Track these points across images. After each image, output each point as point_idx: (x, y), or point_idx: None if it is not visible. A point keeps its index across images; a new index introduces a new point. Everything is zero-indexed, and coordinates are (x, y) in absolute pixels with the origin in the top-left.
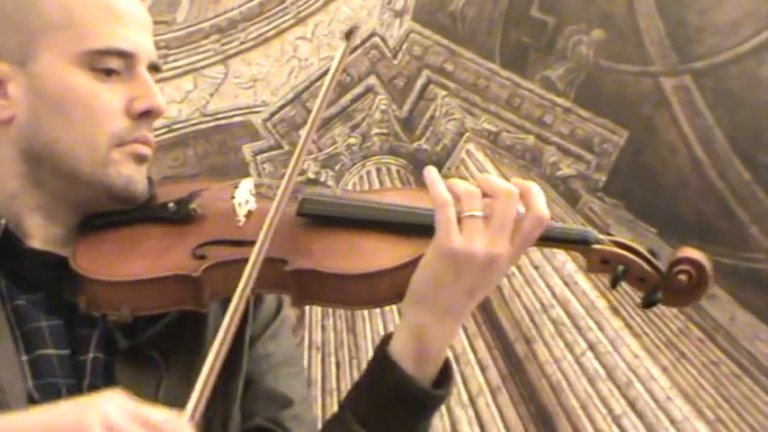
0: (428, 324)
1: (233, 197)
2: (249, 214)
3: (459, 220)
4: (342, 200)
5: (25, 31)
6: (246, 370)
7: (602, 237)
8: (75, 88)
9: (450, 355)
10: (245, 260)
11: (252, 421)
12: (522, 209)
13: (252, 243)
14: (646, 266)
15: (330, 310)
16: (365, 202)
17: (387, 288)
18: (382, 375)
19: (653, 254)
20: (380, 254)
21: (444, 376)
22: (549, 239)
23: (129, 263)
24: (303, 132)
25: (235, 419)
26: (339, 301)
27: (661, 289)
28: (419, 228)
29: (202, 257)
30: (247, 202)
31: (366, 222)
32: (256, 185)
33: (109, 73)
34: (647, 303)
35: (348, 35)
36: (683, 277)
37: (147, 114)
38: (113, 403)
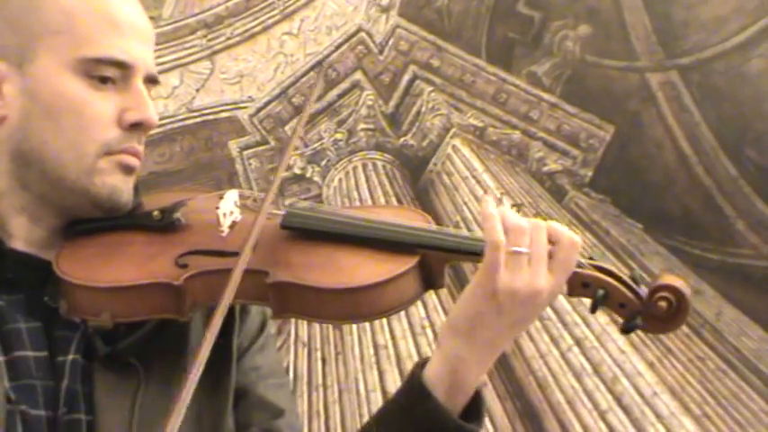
0: (465, 356)
1: (217, 207)
2: (233, 225)
3: (506, 256)
4: (326, 215)
5: (25, 32)
6: (237, 382)
7: (583, 261)
8: (68, 94)
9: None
10: (227, 271)
11: (247, 431)
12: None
13: (234, 254)
14: (626, 292)
15: None
16: (348, 218)
17: (365, 304)
18: (415, 403)
19: (635, 280)
20: (361, 270)
21: (475, 409)
22: None
23: (111, 269)
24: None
25: (227, 428)
26: (317, 315)
27: (641, 315)
28: (401, 245)
29: (185, 266)
30: (232, 213)
31: (348, 237)
32: (241, 197)
33: (104, 81)
34: (627, 329)
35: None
36: (662, 304)
37: (138, 126)
38: None
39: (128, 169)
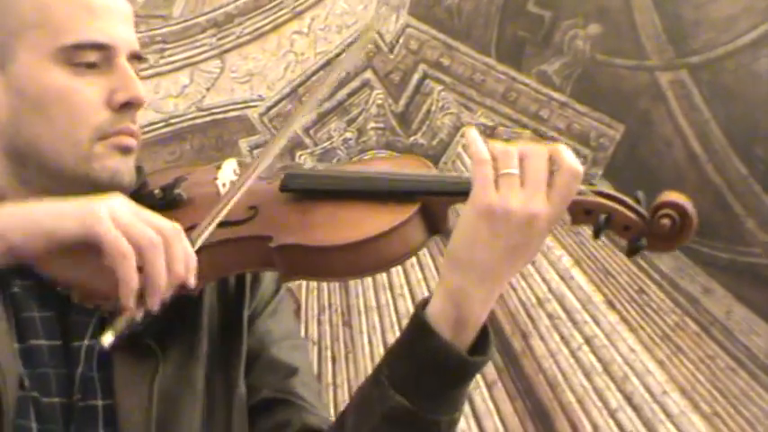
0: (467, 288)
1: (216, 178)
2: None
3: (495, 179)
4: (324, 173)
5: (2, 32)
6: (248, 348)
7: (583, 188)
8: (53, 85)
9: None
10: (231, 240)
11: (260, 394)
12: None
13: (236, 223)
14: (629, 214)
15: (326, 304)
16: (347, 173)
17: (372, 256)
18: (419, 341)
19: (638, 201)
20: (364, 223)
21: (482, 342)
22: None
23: None
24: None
25: (239, 397)
26: (326, 274)
27: (645, 235)
28: (401, 194)
29: (189, 242)
30: (232, 182)
31: (348, 193)
32: (241, 165)
33: (88, 66)
34: (632, 250)
35: None
36: (665, 221)
37: (129, 106)
38: (120, 200)
39: (126, 150)
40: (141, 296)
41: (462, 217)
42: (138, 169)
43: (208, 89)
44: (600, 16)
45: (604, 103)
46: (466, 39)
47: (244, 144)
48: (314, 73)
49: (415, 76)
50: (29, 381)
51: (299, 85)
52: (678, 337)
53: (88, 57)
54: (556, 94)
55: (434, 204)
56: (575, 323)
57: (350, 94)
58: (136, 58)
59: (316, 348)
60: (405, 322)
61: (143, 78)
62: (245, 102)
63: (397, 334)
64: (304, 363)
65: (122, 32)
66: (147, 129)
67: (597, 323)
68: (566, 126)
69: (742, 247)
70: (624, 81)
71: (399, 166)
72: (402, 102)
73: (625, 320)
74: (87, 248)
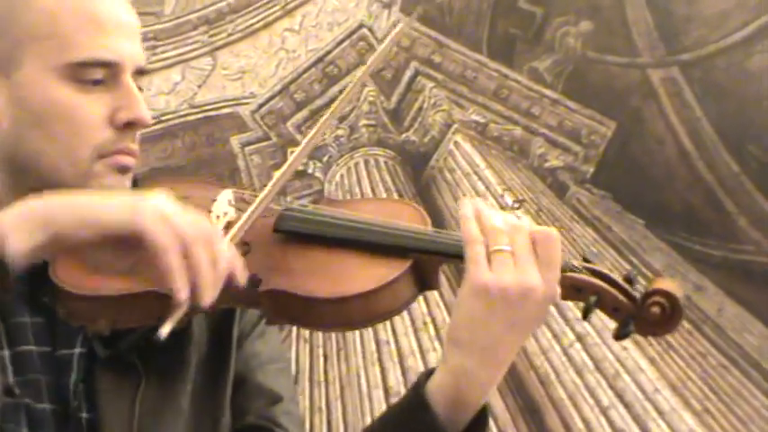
0: (468, 368)
1: (210, 211)
2: (228, 225)
3: (488, 255)
4: (319, 217)
5: (10, 39)
6: (235, 369)
7: (576, 264)
8: (57, 101)
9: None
10: None
11: (244, 419)
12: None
13: None
14: (619, 296)
15: None
16: (342, 221)
17: (360, 311)
18: (413, 415)
19: (629, 281)
20: (355, 277)
21: (478, 425)
22: None
23: (106, 277)
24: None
25: (225, 417)
26: (312, 323)
27: (634, 320)
28: (394, 249)
29: None
30: (225, 214)
31: (342, 241)
32: (236, 195)
33: (93, 83)
34: (620, 336)
35: None
36: (655, 310)
37: (131, 125)
38: (165, 197)
39: (123, 169)
40: (193, 292)
41: (460, 297)
42: (134, 181)
43: (199, 86)
44: (591, 13)
45: (596, 100)
46: (457, 36)
47: (235, 141)
48: (305, 70)
49: (407, 73)
50: (19, 387)
51: (291, 82)
52: (670, 334)
53: (94, 74)
54: (547, 91)
55: (426, 262)
56: (566, 320)
57: (341, 91)
58: (140, 72)
59: (308, 346)
60: (396, 321)
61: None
62: (236, 99)
63: (389, 332)
64: (288, 390)
65: (130, 49)
66: None
67: (589, 321)
68: (557, 123)
69: (734, 244)
70: (616, 78)
71: (395, 215)
72: (394, 99)
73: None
74: (129, 244)
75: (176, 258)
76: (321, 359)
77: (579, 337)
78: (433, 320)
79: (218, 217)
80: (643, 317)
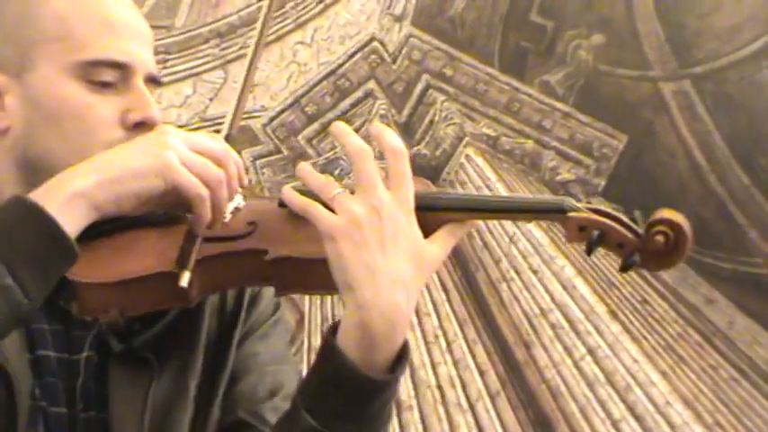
0: (361, 302)
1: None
2: (236, 211)
3: (331, 203)
4: None
5: (22, 41)
6: (232, 368)
7: (578, 204)
8: (69, 99)
9: (411, 340)
10: (227, 254)
11: (230, 417)
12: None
13: (235, 237)
14: (623, 230)
15: (329, 315)
16: None
17: None
18: (325, 362)
19: (634, 220)
20: None
21: (399, 361)
22: (526, 211)
23: (117, 265)
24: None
25: (213, 415)
26: (319, 288)
27: (639, 252)
28: None
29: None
30: (234, 199)
31: None
32: (242, 186)
33: (104, 85)
34: (625, 267)
35: None
36: (660, 238)
37: (142, 126)
38: (175, 138)
39: None
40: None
41: (326, 248)
42: None
43: (211, 99)
44: (603, 26)
45: (607, 113)
46: (469, 49)
47: (247, 155)
48: (317, 83)
49: (419, 87)
50: (39, 390)
51: (302, 95)
52: (681, 347)
53: (106, 75)
54: (559, 105)
55: (427, 219)
56: (578, 333)
57: (353, 105)
58: (152, 81)
59: None
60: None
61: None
62: (248, 112)
63: None
64: (284, 387)
65: (141, 53)
66: None
67: (600, 333)
68: (569, 136)
69: (745, 257)
70: (627, 91)
71: None
72: (405, 112)
73: (628, 331)
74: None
75: (207, 207)
76: None
77: (590, 351)
78: (444, 333)
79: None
80: (648, 249)
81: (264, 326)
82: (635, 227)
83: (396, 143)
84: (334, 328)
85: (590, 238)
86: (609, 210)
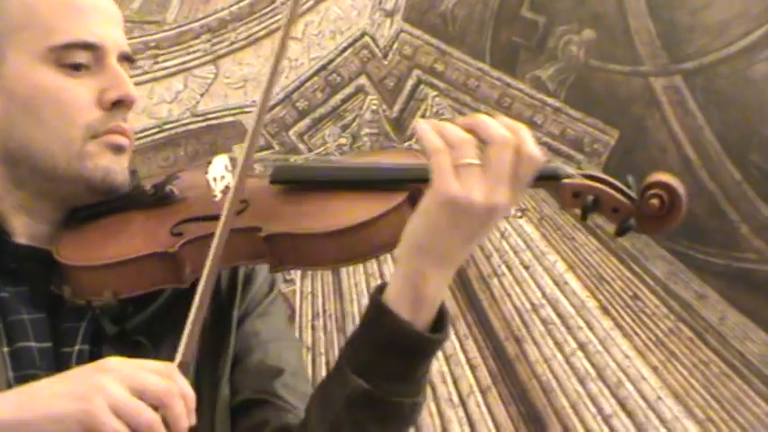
0: (424, 271)
1: (206, 173)
2: (226, 189)
3: (456, 168)
4: (313, 164)
5: None
6: (235, 348)
7: (572, 171)
8: (43, 85)
9: (445, 303)
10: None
11: (240, 396)
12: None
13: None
14: (617, 195)
15: (320, 310)
16: (336, 164)
17: (361, 242)
18: (377, 322)
19: (628, 185)
20: (352, 211)
21: (440, 321)
22: None
23: (108, 248)
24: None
25: (222, 398)
26: (314, 262)
27: (634, 216)
28: (389, 182)
29: (179, 234)
30: (223, 177)
31: (338, 183)
32: (232, 160)
33: (77, 68)
34: (621, 231)
35: None
36: (654, 201)
37: (120, 104)
38: (111, 378)
39: (117, 148)
40: None
41: (424, 204)
42: (133, 173)
43: (202, 95)
44: (594, 22)
45: (598, 108)
46: (460, 44)
47: (238, 150)
48: (308, 79)
49: (410, 82)
50: (18, 383)
51: (294, 90)
52: (672, 342)
53: (78, 57)
54: (550, 100)
55: (422, 192)
56: (569, 329)
57: (344, 100)
58: (126, 59)
59: (310, 354)
60: None
61: (137, 84)
62: (239, 107)
63: None
64: (290, 364)
65: (111, 33)
66: (140, 134)
67: (591, 329)
68: (560, 132)
69: (736, 252)
70: (618, 87)
71: (390, 158)
72: (396, 107)
73: (619, 326)
74: None
75: None
76: (323, 368)
77: (581, 346)
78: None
79: (215, 179)
80: (643, 212)
81: (263, 304)
82: (629, 191)
83: (537, 152)
84: (380, 291)
85: (584, 203)
86: (602, 175)
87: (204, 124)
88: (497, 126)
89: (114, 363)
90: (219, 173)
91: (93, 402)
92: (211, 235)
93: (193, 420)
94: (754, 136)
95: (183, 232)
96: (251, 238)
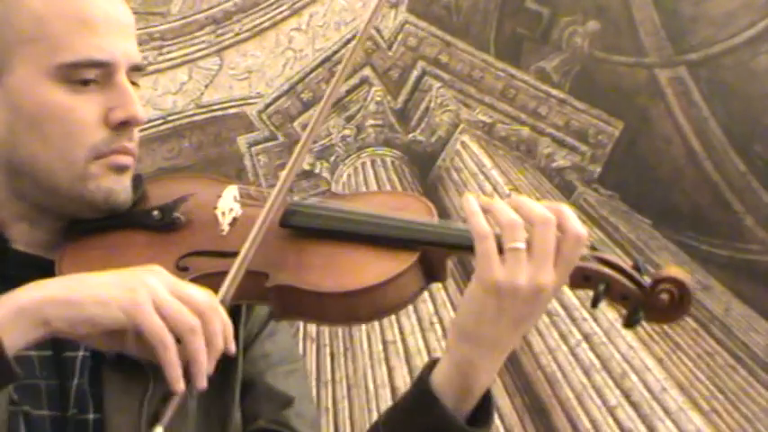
0: (474, 359)
1: (215, 207)
2: (234, 222)
3: (501, 251)
4: (326, 211)
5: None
6: (245, 371)
7: (585, 252)
8: (49, 103)
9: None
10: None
11: (255, 423)
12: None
13: (235, 254)
14: (628, 284)
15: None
16: (349, 214)
17: (367, 306)
18: (423, 408)
19: (638, 269)
20: (362, 271)
21: (484, 411)
22: None
23: (111, 269)
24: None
25: (234, 421)
26: (319, 318)
27: (643, 307)
28: (401, 242)
29: (185, 269)
30: (231, 210)
31: (348, 235)
32: (241, 191)
33: (85, 83)
34: (630, 323)
35: None
36: (664, 297)
37: (126, 124)
38: (158, 279)
39: (120, 169)
40: (186, 373)
41: (469, 290)
42: (137, 178)
43: (206, 86)
44: (598, 13)
45: (603, 99)
46: (464, 36)
47: (242, 141)
48: (312, 70)
49: (414, 73)
50: (18, 394)
51: (298, 81)
52: (677, 334)
53: (86, 74)
54: (554, 91)
55: (434, 254)
56: (573, 320)
57: (348, 91)
58: (137, 69)
59: (314, 345)
60: (403, 320)
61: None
62: (243, 99)
63: (396, 332)
64: (300, 391)
65: (122, 47)
66: (145, 126)
67: (596, 320)
68: (564, 123)
69: (740, 243)
70: (623, 78)
71: (401, 208)
72: (401, 99)
73: (620, 315)
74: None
75: (171, 353)
76: (328, 358)
77: (586, 337)
78: (440, 320)
79: (223, 213)
80: (652, 304)
81: (270, 323)
82: (640, 279)
83: (582, 229)
84: (428, 370)
85: (596, 290)
86: (613, 259)
87: (209, 115)
88: (539, 207)
89: (162, 270)
90: (228, 206)
91: (138, 293)
92: (219, 274)
93: (232, 348)
94: (759, 127)
95: (190, 267)
96: (258, 282)
